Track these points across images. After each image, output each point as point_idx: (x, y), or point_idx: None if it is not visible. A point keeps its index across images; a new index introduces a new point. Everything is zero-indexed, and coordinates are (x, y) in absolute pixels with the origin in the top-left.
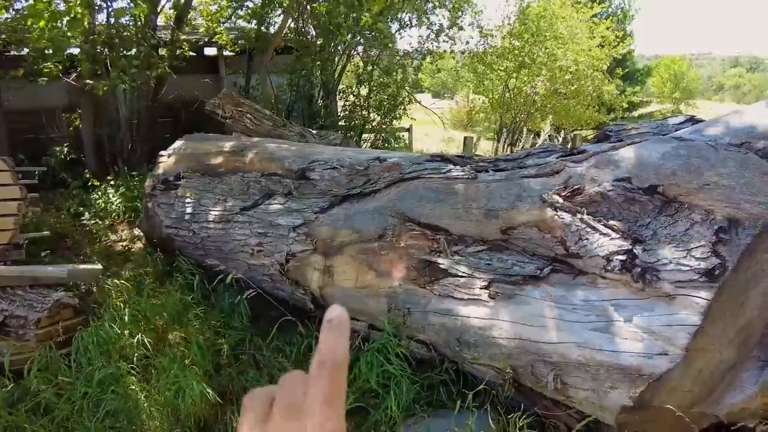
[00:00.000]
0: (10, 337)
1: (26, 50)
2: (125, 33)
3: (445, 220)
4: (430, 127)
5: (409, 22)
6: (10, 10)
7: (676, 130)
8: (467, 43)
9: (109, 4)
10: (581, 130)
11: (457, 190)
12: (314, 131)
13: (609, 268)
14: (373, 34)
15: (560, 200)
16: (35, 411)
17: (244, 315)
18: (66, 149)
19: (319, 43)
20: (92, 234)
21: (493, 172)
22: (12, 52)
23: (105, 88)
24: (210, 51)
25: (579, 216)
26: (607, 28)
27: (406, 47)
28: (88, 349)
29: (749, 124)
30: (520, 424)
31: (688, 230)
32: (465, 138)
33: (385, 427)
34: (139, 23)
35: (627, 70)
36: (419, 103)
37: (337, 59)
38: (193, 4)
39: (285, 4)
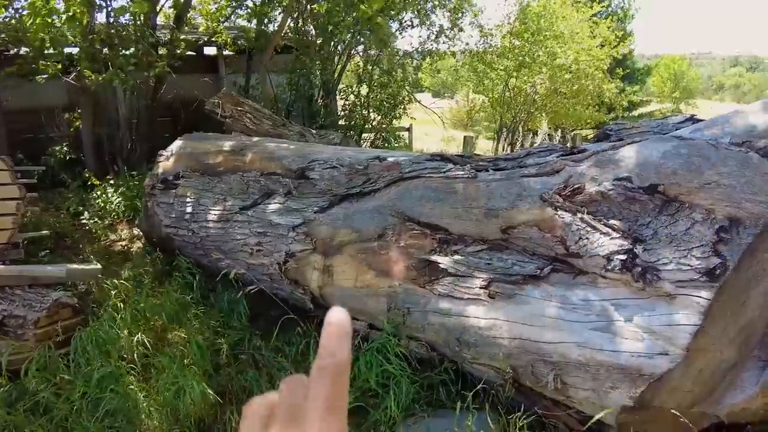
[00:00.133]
0: (9, 336)
1: (25, 49)
2: (124, 32)
3: (445, 219)
4: (430, 126)
5: (410, 23)
6: (10, 9)
7: (676, 130)
8: (467, 44)
9: (108, 3)
10: (581, 129)
11: (457, 190)
12: (314, 131)
13: (609, 267)
14: (371, 29)
15: (560, 199)
16: (34, 411)
17: (243, 314)
18: (65, 148)
19: (318, 42)
20: (91, 233)
21: (493, 172)
22: (11, 52)
23: (100, 80)
24: (209, 50)
25: (579, 215)
26: (608, 28)
27: (406, 47)
28: (87, 349)
29: (750, 124)
30: (520, 424)
31: (688, 229)
32: (465, 137)
33: (385, 426)
34: (138, 22)
35: (627, 70)
36: (419, 102)
37: (336, 59)
38: (192, 3)
39: (285, 4)
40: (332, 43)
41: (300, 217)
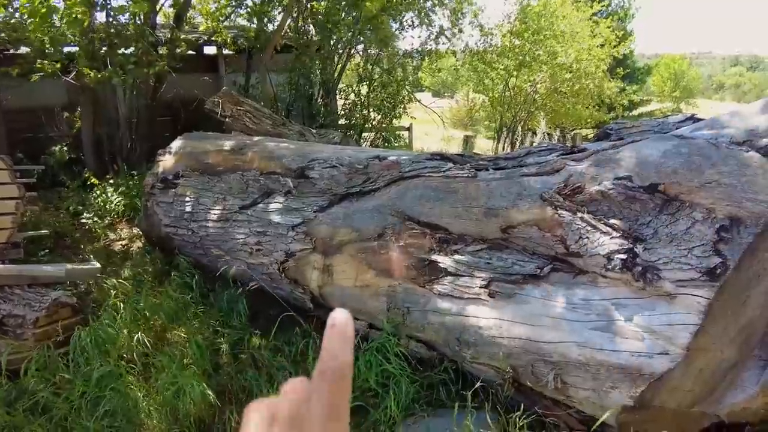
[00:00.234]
0: (8, 336)
1: (25, 49)
2: (124, 31)
3: (444, 218)
4: (430, 126)
5: (411, 23)
6: (9, 8)
7: (676, 129)
8: (467, 44)
9: (108, 1)
10: (581, 128)
11: (456, 189)
12: (314, 130)
13: (610, 267)
14: (372, 29)
15: (561, 199)
16: (33, 410)
17: (242, 314)
18: (65, 148)
19: (318, 40)
20: (91, 233)
21: (493, 171)
22: (11, 51)
23: (99, 77)
24: (209, 50)
25: (579, 215)
26: (608, 27)
27: (406, 47)
28: (87, 349)
29: (750, 123)
30: (520, 424)
31: (689, 229)
32: (465, 136)
33: (385, 426)
34: (138, 21)
35: (627, 70)
36: (419, 102)
37: (336, 58)
38: (192, 2)
39: (285, 3)
40: (332, 42)
41: (300, 216)
